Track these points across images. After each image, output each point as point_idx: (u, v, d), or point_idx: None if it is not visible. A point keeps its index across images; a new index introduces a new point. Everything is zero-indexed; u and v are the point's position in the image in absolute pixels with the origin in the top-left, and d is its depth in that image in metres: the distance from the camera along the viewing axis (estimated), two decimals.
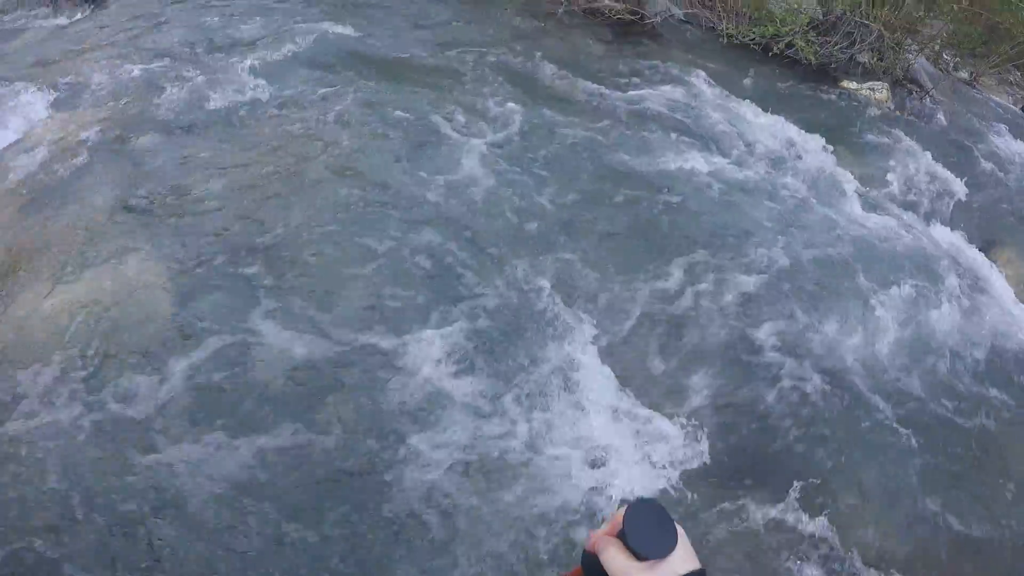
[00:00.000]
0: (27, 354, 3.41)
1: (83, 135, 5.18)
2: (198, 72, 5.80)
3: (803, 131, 5.70)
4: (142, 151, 4.88)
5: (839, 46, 7.02)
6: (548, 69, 5.68)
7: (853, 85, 6.78)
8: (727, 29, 6.66)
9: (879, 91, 6.86)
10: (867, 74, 7.05)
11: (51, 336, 3.50)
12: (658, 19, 6.61)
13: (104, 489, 2.79)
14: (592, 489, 2.93)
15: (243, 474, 2.85)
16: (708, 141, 5.16)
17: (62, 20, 7.64)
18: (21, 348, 3.47)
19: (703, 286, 3.90)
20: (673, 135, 5.10)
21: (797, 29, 6.74)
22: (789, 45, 6.66)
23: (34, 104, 5.66)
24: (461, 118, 4.94)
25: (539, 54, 5.85)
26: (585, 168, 4.56)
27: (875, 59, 7.14)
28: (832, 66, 6.94)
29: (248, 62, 5.81)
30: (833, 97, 6.53)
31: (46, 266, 4.02)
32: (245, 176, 4.59)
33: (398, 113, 4.95)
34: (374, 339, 3.37)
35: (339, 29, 6.28)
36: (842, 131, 6.09)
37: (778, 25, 6.68)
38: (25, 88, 5.80)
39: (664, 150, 4.88)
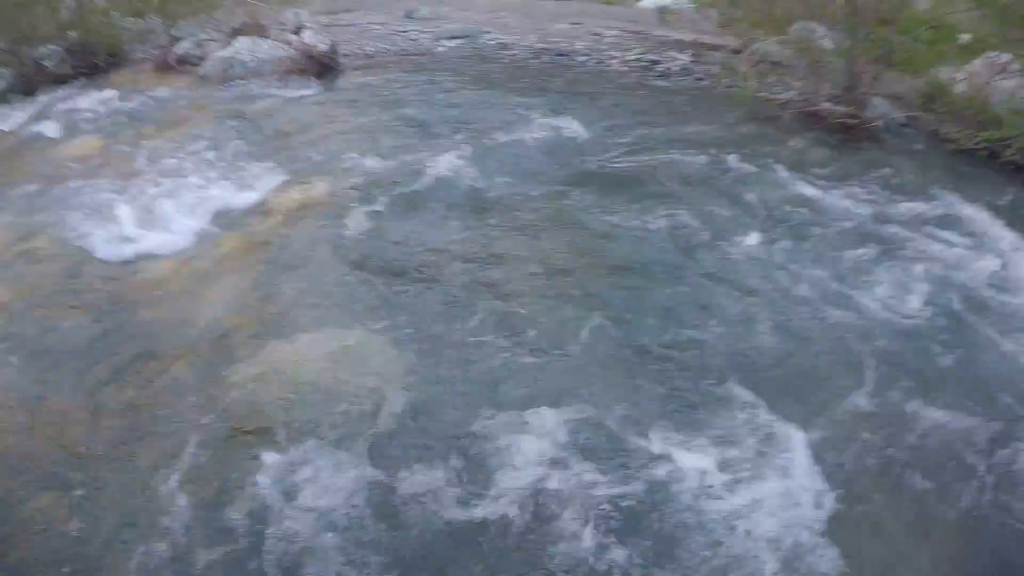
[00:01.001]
0: (249, 416, 3.79)
1: (314, 205, 5.69)
2: (424, 153, 6.22)
3: None
4: (372, 225, 5.35)
5: None
6: (771, 174, 5.92)
7: None
8: (951, 134, 6.65)
9: None
10: None
11: (274, 398, 3.87)
12: (880, 123, 6.73)
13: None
14: None
15: None
16: (936, 263, 5.11)
17: (292, 92, 8.24)
18: (244, 408, 3.85)
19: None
20: (898, 253, 5.13)
21: None
22: (1019, 150, 6.53)
23: (270, 171, 6.21)
24: (684, 221, 5.29)
25: (762, 158, 6.10)
26: (805, 288, 4.76)
27: None
28: None
29: (475, 147, 6.26)
30: None
31: (275, 326, 4.42)
32: (476, 261, 4.96)
33: (622, 214, 5.32)
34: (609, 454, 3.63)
35: (564, 123, 6.72)
36: None
37: (1006, 129, 6.57)
38: (262, 156, 6.43)
39: (890, 271, 4.96)
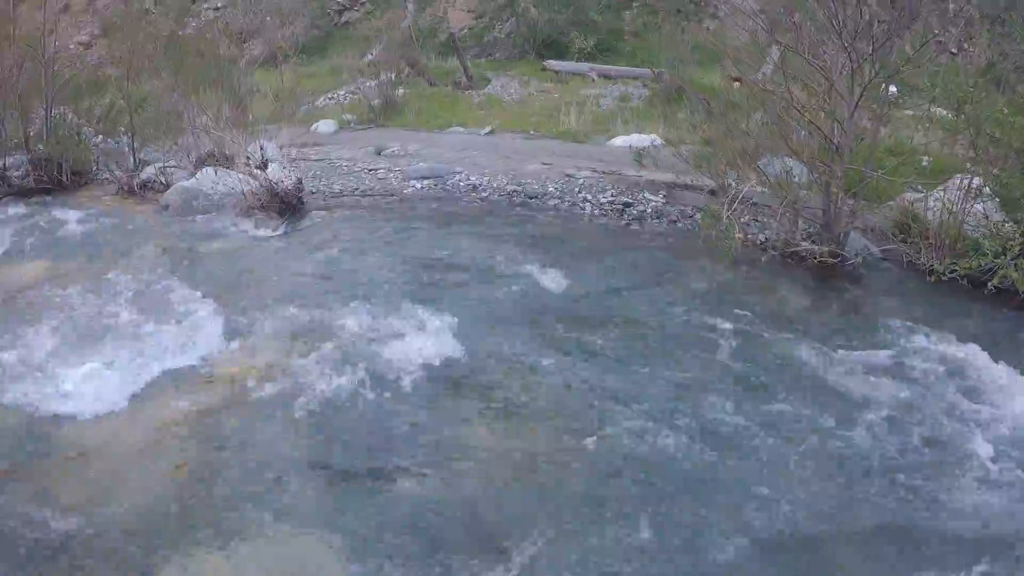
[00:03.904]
0: None
1: (266, 373, 5.28)
2: (388, 314, 5.84)
3: None
4: (328, 404, 4.93)
5: None
6: (753, 331, 5.74)
7: None
8: (932, 265, 6.55)
9: None
10: None
11: None
12: (858, 259, 6.65)
13: None
14: None
15: None
16: (930, 411, 4.95)
17: (254, 231, 8.10)
18: None
19: None
20: (890, 404, 4.97)
21: (1010, 258, 6.46)
22: (1003, 277, 6.39)
23: (221, 326, 5.88)
24: (665, 392, 5.03)
25: (743, 312, 5.95)
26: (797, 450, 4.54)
27: None
28: None
29: (444, 309, 5.92)
30: None
31: (210, 525, 3.97)
32: (445, 448, 4.56)
33: (602, 388, 5.04)
34: None
35: (536, 278, 6.50)
36: None
37: (990, 256, 6.46)
38: (214, 307, 6.10)
39: (890, 425, 4.77)
